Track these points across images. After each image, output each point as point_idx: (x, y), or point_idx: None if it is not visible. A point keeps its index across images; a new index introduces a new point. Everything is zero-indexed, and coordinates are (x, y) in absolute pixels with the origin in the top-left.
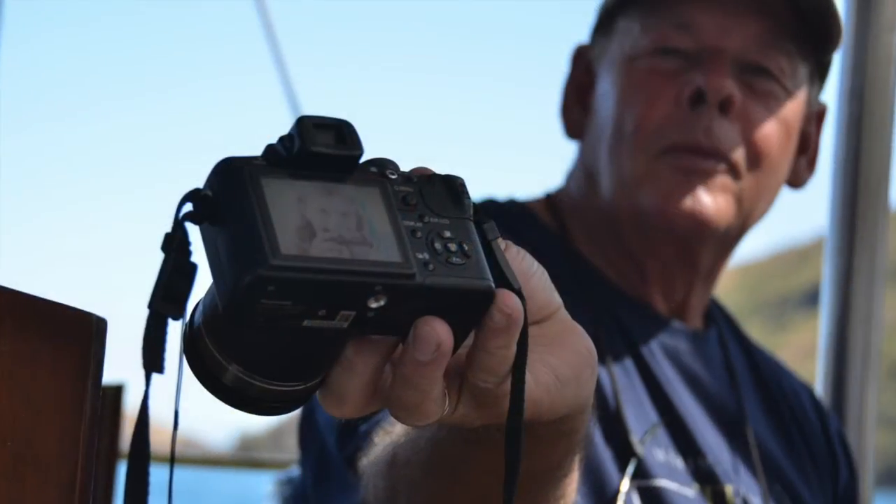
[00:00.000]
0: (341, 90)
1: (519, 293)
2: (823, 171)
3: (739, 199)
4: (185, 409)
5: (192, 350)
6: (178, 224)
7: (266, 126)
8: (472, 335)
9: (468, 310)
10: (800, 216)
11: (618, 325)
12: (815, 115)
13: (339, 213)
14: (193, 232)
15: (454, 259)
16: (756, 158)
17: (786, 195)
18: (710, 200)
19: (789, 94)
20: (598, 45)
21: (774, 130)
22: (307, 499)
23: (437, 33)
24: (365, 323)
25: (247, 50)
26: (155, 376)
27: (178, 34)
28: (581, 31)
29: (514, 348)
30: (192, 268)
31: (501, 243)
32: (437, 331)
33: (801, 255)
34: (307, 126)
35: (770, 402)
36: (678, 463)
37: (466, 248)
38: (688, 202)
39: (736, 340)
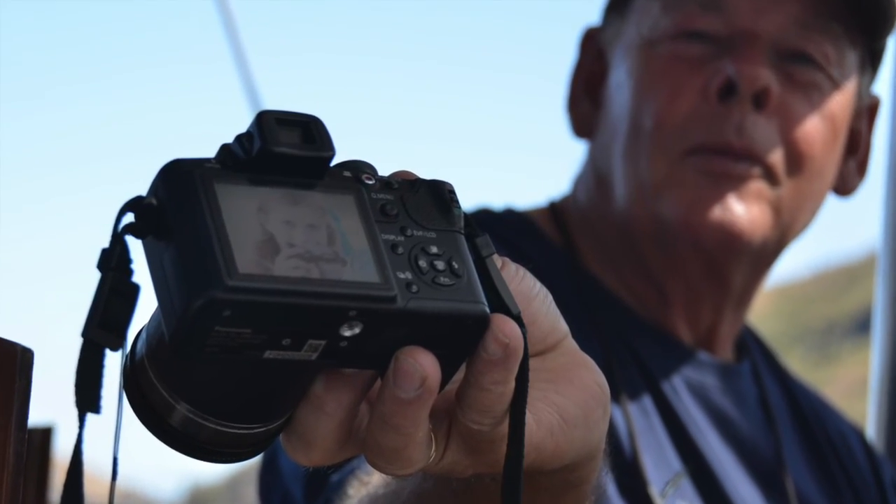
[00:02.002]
0: (309, 80)
1: (518, 319)
2: (876, 175)
3: (777, 209)
4: (126, 454)
5: (134, 386)
6: (118, 238)
7: (221, 122)
8: (462, 369)
9: (458, 339)
10: (848, 229)
11: (634, 357)
12: (867, 110)
13: (306, 225)
14: (135, 247)
15: (442, 279)
16: (796, 161)
17: (832, 204)
18: (743, 210)
19: (836, 84)
20: (612, 26)
21: (818, 128)
22: None
23: (421, 14)
24: (337, 354)
25: (200, 34)
26: (90, 417)
27: (120, 14)
28: (592, 10)
29: (511, 384)
30: (134, 289)
31: (497, 260)
32: (422, 363)
33: (850, 275)
34: (269, 122)
35: (813, 446)
36: None
37: (456, 266)
38: (716, 212)
39: (773, 375)
